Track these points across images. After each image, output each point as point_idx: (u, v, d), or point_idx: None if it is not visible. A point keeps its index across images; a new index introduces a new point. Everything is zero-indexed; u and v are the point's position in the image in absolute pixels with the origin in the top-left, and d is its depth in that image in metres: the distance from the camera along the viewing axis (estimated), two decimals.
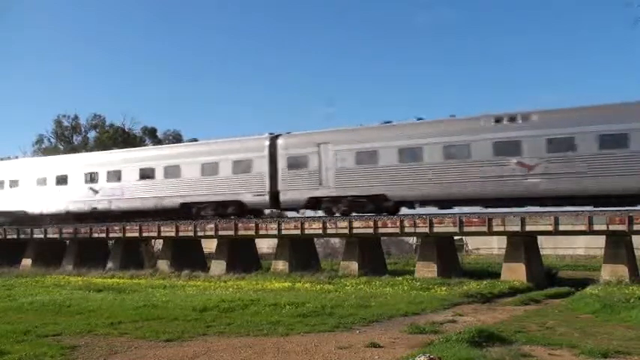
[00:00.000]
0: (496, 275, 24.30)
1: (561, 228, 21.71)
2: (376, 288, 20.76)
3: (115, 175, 32.05)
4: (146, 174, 31.03)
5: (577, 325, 13.54)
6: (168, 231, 29.50)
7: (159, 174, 30.65)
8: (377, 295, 18.75)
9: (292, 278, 24.45)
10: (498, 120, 23.74)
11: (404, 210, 26.54)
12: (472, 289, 20.04)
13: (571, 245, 40.63)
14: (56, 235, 33.04)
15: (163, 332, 12.36)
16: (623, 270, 21.44)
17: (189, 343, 11.50)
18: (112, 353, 10.64)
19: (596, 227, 21.17)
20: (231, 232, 27.97)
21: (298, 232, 26.39)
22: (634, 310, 14.60)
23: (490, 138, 23.42)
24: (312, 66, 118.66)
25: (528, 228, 22.17)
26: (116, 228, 31.05)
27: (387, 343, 11.18)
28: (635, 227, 20.60)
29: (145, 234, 30.49)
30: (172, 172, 30.36)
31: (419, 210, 26.04)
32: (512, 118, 23.48)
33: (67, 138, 62.68)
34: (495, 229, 22.88)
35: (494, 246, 41.56)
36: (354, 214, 26.26)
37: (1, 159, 48.34)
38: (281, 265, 27.58)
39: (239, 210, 28.77)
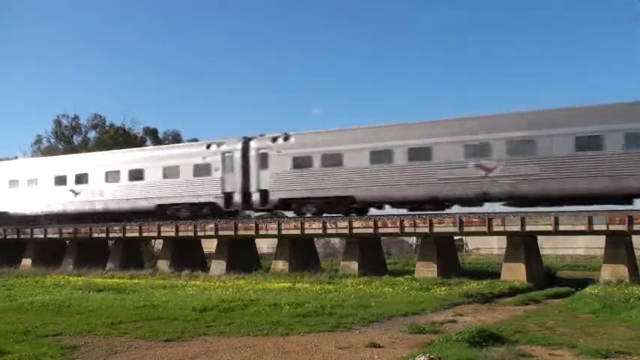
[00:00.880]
0: (496, 275, 24.30)
1: (561, 228, 21.72)
2: (376, 288, 20.74)
3: (104, 177, 32.46)
4: (136, 175, 31.45)
5: (577, 325, 13.53)
6: (168, 231, 29.50)
7: (146, 176, 31.12)
8: (377, 295, 18.75)
9: (292, 278, 24.44)
10: (461, 123, 24.75)
11: (402, 210, 26.58)
12: (472, 289, 20.04)
13: (571, 245, 40.63)
14: (56, 235, 33.04)
15: (163, 332, 12.36)
16: (623, 270, 21.44)
17: (189, 343, 11.50)
18: (112, 353, 10.64)
19: (596, 227, 21.18)
20: (231, 232, 27.97)
21: (298, 232, 26.38)
22: (634, 310, 14.61)
23: (451, 141, 24.03)
24: (312, 66, 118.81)
25: (528, 228, 22.17)
26: (116, 228, 31.06)
27: (387, 343, 11.18)
28: (635, 227, 20.61)
29: (145, 234, 30.49)
30: (140, 174, 31.20)
31: (419, 210, 26.05)
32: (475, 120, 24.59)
33: (67, 138, 62.66)
34: (495, 229, 22.88)
35: (494, 246, 41.56)
36: (324, 214, 26.81)
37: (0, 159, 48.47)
38: (281, 265, 27.58)
39: (214, 211, 29.29)
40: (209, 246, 33.42)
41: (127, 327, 13.17)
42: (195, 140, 44.11)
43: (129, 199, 31.40)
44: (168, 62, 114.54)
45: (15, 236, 34.49)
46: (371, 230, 24.89)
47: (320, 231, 26.05)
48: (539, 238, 25.45)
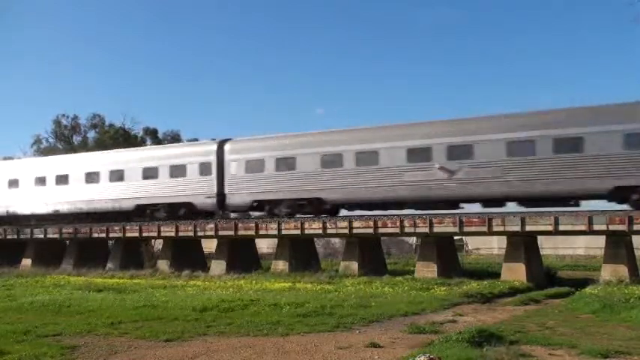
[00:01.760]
0: (496, 275, 24.30)
1: (561, 228, 21.70)
2: (376, 288, 20.73)
3: (84, 178, 32.95)
4: (117, 176, 31.97)
5: (577, 325, 13.52)
6: (168, 231, 29.50)
7: (127, 177, 31.64)
8: (377, 295, 18.75)
9: (292, 278, 24.44)
10: (405, 128, 25.77)
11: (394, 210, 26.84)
12: (472, 289, 20.02)
13: (571, 245, 40.66)
14: (56, 235, 33.04)
15: (163, 332, 12.36)
16: (623, 270, 21.43)
17: (189, 343, 11.49)
18: (112, 353, 10.63)
19: (596, 227, 21.16)
20: (231, 232, 27.97)
21: (298, 232, 26.38)
22: (634, 310, 14.59)
23: (395, 146, 24.97)
24: (313, 66, 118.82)
25: (528, 228, 22.17)
26: (116, 228, 31.06)
27: (387, 343, 11.17)
28: (635, 227, 20.59)
29: (144, 234, 30.48)
30: (121, 175, 31.80)
31: (419, 210, 26.10)
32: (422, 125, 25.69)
33: (66, 138, 62.66)
34: (495, 229, 22.87)
35: (494, 246, 41.58)
36: (298, 215, 27.39)
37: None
38: (281, 265, 27.58)
39: (190, 212, 29.85)
40: (209, 246, 33.42)
41: (127, 327, 13.16)
42: (195, 140, 44.20)
43: (109, 200, 31.98)
44: (168, 62, 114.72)
45: (15, 236, 34.49)
46: (371, 230, 24.89)
47: (320, 231, 26.06)
48: (539, 238, 25.44)
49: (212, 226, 28.32)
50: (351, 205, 27.34)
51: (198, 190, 29.41)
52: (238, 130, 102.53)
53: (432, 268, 24.42)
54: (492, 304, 17.98)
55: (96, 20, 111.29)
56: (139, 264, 31.44)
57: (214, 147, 29.55)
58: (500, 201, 24.12)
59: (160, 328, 12.82)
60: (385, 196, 25.15)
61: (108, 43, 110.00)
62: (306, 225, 26.17)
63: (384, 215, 25.70)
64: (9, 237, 34.71)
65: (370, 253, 27.06)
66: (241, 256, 29.30)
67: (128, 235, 30.80)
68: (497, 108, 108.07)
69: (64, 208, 33.31)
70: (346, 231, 25.46)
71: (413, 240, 42.18)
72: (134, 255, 32.50)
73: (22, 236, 34.34)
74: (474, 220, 23.20)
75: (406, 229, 24.35)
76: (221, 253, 29.42)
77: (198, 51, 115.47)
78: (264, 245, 38.84)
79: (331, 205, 27.03)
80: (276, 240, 29.62)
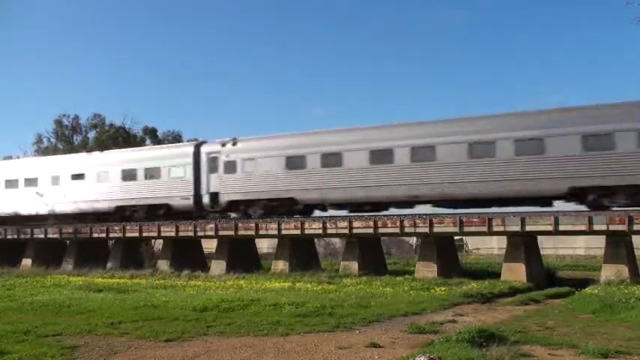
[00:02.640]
0: (496, 275, 24.28)
1: (561, 228, 21.70)
2: (376, 288, 20.73)
3: (71, 179, 33.37)
4: (98, 178, 32.49)
5: (577, 325, 13.51)
6: (168, 231, 29.51)
7: (112, 178, 32.14)
8: (377, 295, 18.74)
9: (292, 278, 24.43)
10: (366, 131, 26.42)
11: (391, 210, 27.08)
12: (472, 289, 20.00)
13: (571, 245, 40.64)
14: (56, 235, 33.05)
15: (163, 332, 12.36)
16: (623, 270, 21.41)
17: (189, 343, 11.50)
18: (112, 353, 10.64)
19: (596, 227, 21.15)
20: (231, 232, 27.97)
21: (298, 232, 26.38)
22: (634, 310, 14.59)
23: (358, 148, 25.67)
24: (313, 66, 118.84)
25: (528, 228, 22.17)
26: (116, 228, 31.07)
27: (387, 343, 11.17)
28: (635, 227, 20.58)
29: (145, 234, 30.50)
30: (103, 177, 32.30)
31: (419, 210, 26.16)
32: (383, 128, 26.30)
33: (67, 138, 62.70)
34: (495, 229, 22.87)
35: (494, 246, 41.57)
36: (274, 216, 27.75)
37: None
38: (281, 265, 27.58)
39: (168, 213, 30.45)
40: (209, 246, 33.42)
41: (127, 327, 13.16)
42: (195, 140, 44.15)
43: (92, 201, 32.45)
44: (168, 62, 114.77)
45: (15, 236, 34.49)
46: (371, 230, 24.88)
47: (320, 231, 26.06)
48: (539, 238, 25.42)
49: (212, 226, 28.32)
50: (323, 206, 27.94)
51: (174, 191, 30.14)
52: (238, 130, 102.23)
53: (432, 268, 24.42)
54: (492, 304, 17.97)
55: (96, 20, 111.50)
56: (139, 264, 31.46)
57: (191, 149, 30.37)
58: (459, 202, 24.63)
59: (160, 328, 12.82)
60: (352, 197, 25.84)
61: (108, 43, 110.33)
62: (306, 225, 26.18)
63: (384, 215, 25.72)
64: (9, 237, 34.70)
65: (370, 253, 27.06)
66: (241, 256, 29.31)
67: (128, 235, 30.80)
68: (498, 108, 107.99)
69: (56, 209, 33.65)
70: (346, 231, 25.46)
71: (413, 240, 42.16)
72: (134, 255, 32.53)
73: (22, 236, 34.34)
74: (474, 220, 23.20)
75: (406, 229, 24.35)
76: (221, 253, 29.42)
77: (198, 51, 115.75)
78: (265, 245, 38.84)
79: (304, 206, 27.52)
80: (276, 240, 29.64)
